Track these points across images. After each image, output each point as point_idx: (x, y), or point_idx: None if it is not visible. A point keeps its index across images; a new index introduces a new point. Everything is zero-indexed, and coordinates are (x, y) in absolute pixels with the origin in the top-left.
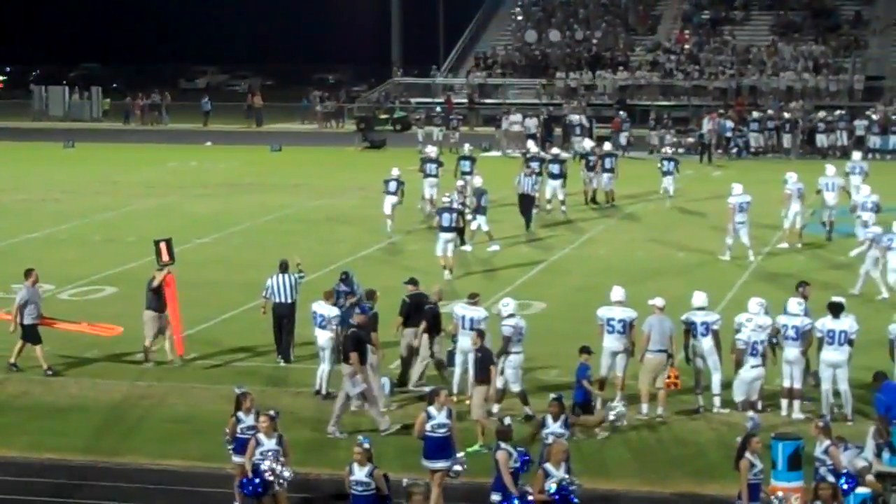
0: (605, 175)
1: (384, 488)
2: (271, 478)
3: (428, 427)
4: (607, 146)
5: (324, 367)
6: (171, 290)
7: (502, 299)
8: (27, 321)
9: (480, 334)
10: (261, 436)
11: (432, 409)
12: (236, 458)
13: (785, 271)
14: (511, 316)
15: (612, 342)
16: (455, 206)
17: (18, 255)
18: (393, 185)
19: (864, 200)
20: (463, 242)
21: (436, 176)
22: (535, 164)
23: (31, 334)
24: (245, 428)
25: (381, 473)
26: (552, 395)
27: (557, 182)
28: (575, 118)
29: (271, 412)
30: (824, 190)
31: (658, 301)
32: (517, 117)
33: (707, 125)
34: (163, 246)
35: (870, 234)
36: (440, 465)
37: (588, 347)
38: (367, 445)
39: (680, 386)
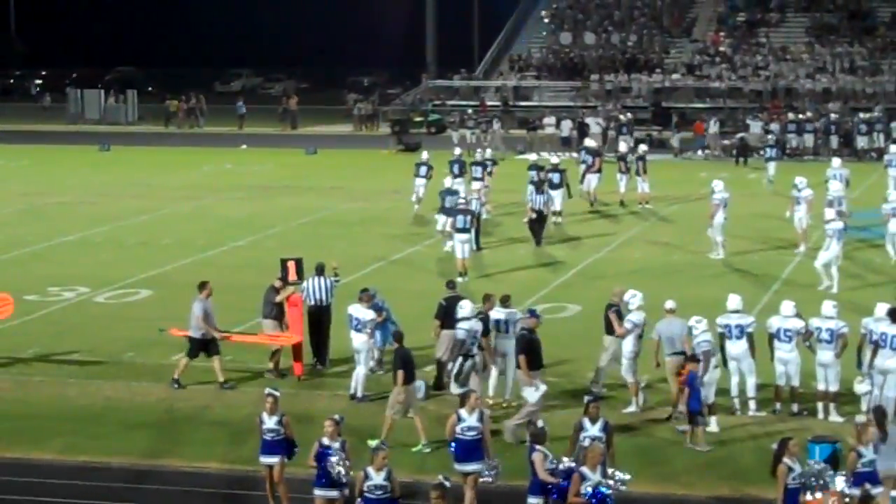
0: (639, 178)
1: (398, 489)
2: (335, 470)
3: (458, 430)
4: (642, 148)
5: (359, 371)
6: (298, 311)
7: (461, 302)
8: (196, 335)
9: (397, 337)
10: (325, 440)
11: (463, 412)
12: (262, 459)
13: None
14: (466, 319)
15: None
16: (471, 207)
17: (54, 257)
18: (423, 169)
19: (836, 196)
20: (478, 246)
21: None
22: (532, 173)
23: (201, 347)
24: (266, 430)
25: (395, 476)
26: (587, 398)
27: (557, 192)
28: (593, 121)
29: (336, 416)
30: (831, 179)
31: (668, 304)
32: (551, 120)
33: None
34: (291, 264)
35: (830, 230)
36: (471, 467)
37: (696, 356)
38: (386, 449)
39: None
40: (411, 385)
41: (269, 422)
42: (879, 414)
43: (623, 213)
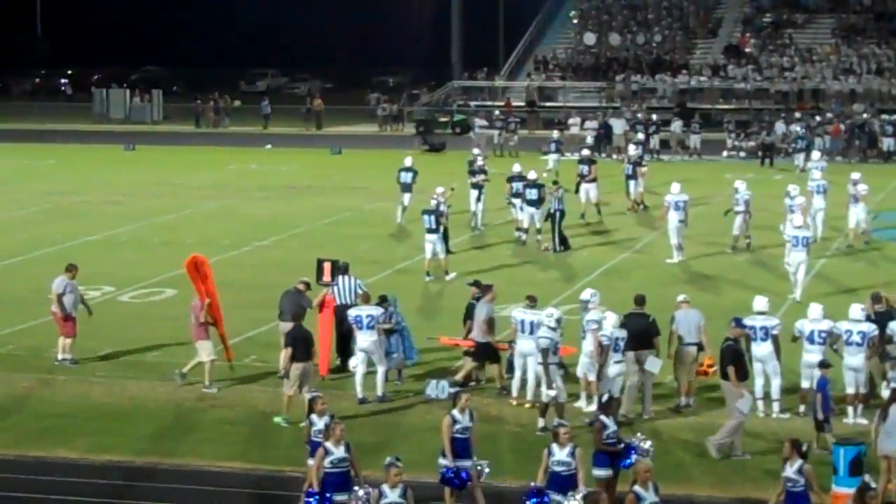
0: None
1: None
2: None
3: (455, 430)
4: (632, 148)
5: (379, 370)
6: (328, 313)
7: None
8: (483, 339)
9: (295, 317)
10: (329, 444)
11: (456, 413)
12: (311, 462)
13: (845, 276)
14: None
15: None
16: (441, 208)
17: (79, 256)
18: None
19: (791, 203)
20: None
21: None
22: (516, 185)
23: (489, 352)
24: (317, 431)
25: (411, 492)
26: (604, 396)
27: (534, 209)
28: (617, 122)
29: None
30: (812, 170)
31: (681, 296)
32: (575, 120)
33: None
34: (327, 266)
35: (790, 237)
36: (466, 464)
37: (826, 361)
38: (400, 465)
39: (711, 374)
40: (306, 363)
41: (321, 423)
42: (893, 394)
43: (644, 214)
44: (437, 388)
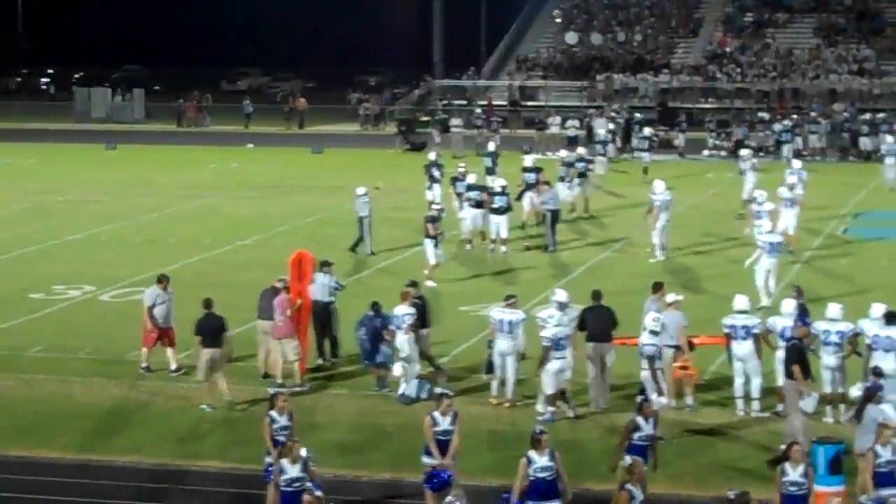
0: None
1: None
2: None
3: (435, 431)
4: (581, 150)
5: (398, 371)
6: (306, 309)
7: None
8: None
9: (206, 304)
10: (285, 462)
11: (437, 415)
12: (269, 459)
13: (826, 276)
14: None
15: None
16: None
17: (60, 255)
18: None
19: (759, 209)
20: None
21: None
22: (473, 194)
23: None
24: (279, 428)
25: (313, 461)
26: (639, 397)
27: (502, 218)
28: (599, 123)
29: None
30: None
31: (670, 297)
32: (556, 120)
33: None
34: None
35: (763, 243)
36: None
37: (879, 369)
38: (318, 493)
39: (694, 375)
40: (215, 350)
41: (282, 420)
42: (871, 391)
43: (628, 212)
44: (415, 388)
